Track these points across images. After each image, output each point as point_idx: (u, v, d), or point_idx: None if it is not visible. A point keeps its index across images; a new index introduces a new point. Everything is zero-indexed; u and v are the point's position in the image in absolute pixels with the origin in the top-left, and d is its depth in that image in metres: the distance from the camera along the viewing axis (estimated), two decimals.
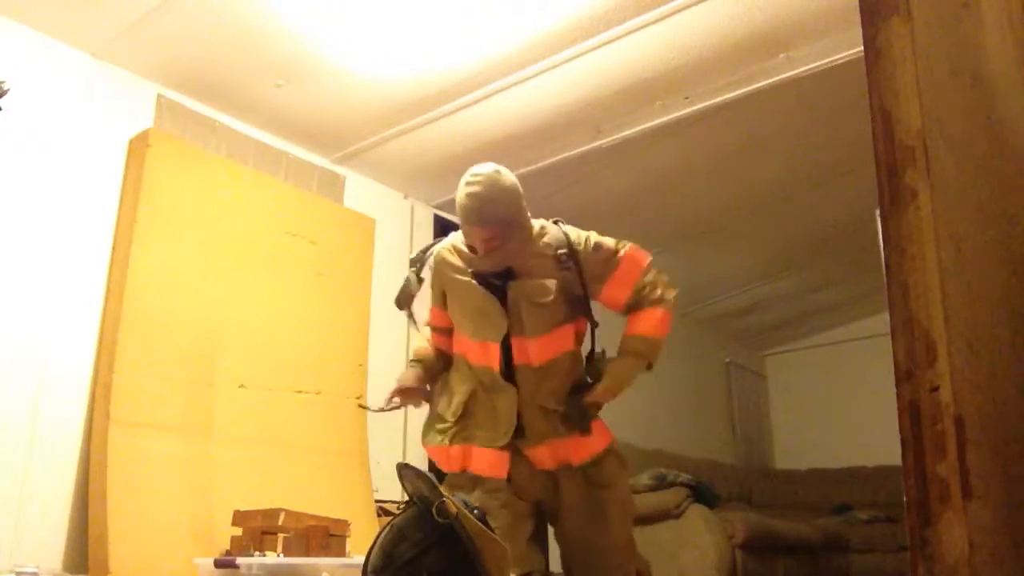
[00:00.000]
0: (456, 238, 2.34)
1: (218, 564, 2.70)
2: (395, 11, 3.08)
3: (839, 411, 6.56)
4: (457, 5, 3.06)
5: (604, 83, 3.54)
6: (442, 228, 4.72)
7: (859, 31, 1.09)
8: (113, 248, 3.21)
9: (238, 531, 2.86)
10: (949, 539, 0.90)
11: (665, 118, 3.80)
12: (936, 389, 0.93)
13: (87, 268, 3.15)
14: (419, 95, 3.59)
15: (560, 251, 2.23)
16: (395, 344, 4.27)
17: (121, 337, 3.03)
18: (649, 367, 2.26)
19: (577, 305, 2.25)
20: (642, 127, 3.87)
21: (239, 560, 2.66)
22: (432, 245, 2.42)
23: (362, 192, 4.26)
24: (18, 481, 2.82)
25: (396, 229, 4.43)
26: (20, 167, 3.02)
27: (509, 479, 2.19)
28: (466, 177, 2.17)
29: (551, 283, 2.20)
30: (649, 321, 2.24)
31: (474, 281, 2.23)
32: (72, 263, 3.11)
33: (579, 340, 2.31)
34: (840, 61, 3.35)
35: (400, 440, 4.14)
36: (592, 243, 2.27)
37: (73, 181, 3.16)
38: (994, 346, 1.00)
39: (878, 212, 1.03)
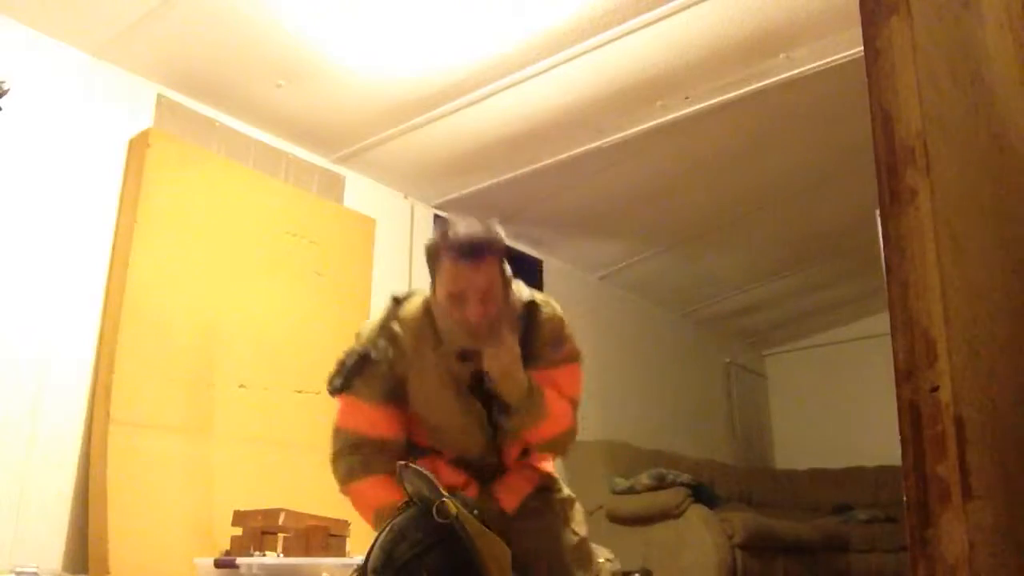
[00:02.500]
0: (404, 310, 1.82)
1: (218, 564, 2.70)
2: (395, 11, 3.08)
3: (839, 411, 6.56)
4: (457, 5, 3.06)
5: (604, 83, 3.54)
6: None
7: (859, 31, 1.09)
8: (113, 248, 3.21)
9: (238, 531, 2.86)
10: (949, 539, 0.90)
11: (665, 118, 3.81)
12: (936, 389, 0.93)
13: (87, 268, 3.15)
14: (419, 95, 3.59)
15: (522, 330, 1.80)
16: None
17: (121, 337, 3.03)
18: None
19: None
20: (642, 127, 3.87)
21: (239, 560, 2.66)
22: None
23: (362, 192, 4.26)
24: (18, 481, 2.82)
25: (396, 229, 4.43)
26: (20, 167, 3.02)
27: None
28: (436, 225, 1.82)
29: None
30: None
31: (446, 374, 1.78)
32: (72, 263, 3.11)
33: None
34: (840, 61, 3.35)
35: None
36: (555, 320, 1.85)
37: (73, 181, 3.16)
38: (994, 346, 1.00)
39: (878, 212, 1.03)
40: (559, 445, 1.92)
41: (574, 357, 1.88)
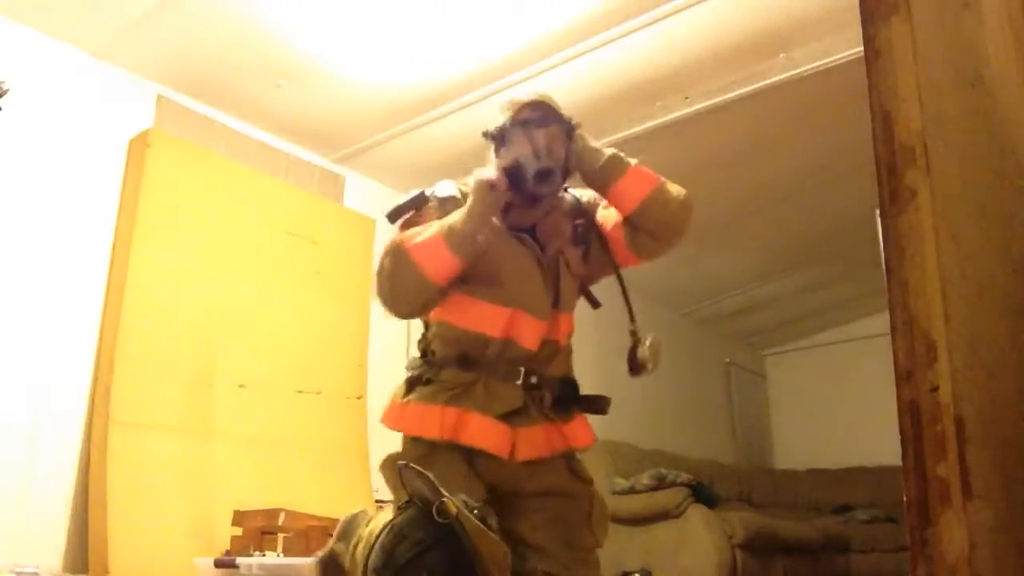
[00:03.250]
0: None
1: (218, 564, 2.70)
2: (395, 11, 3.08)
3: (839, 411, 6.56)
4: (457, 5, 3.06)
5: (604, 83, 3.54)
6: None
7: (859, 31, 1.09)
8: (113, 248, 3.21)
9: (238, 531, 2.86)
10: (949, 539, 0.90)
11: (665, 118, 3.80)
12: (936, 389, 0.93)
13: (87, 268, 3.15)
14: (419, 95, 3.59)
15: (577, 220, 2.04)
16: (395, 344, 4.27)
17: (121, 337, 3.03)
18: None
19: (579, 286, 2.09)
20: (642, 127, 3.87)
21: (239, 560, 2.66)
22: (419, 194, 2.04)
23: (362, 192, 4.26)
24: (18, 481, 2.82)
25: (396, 229, 4.42)
26: (20, 167, 3.02)
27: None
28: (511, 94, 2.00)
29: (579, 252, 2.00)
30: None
31: (511, 235, 1.94)
32: (72, 263, 3.11)
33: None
34: (840, 61, 3.35)
35: (400, 440, 4.13)
36: (590, 197, 2.05)
37: (73, 181, 3.16)
38: (994, 346, 1.00)
39: (878, 212, 1.03)
40: (661, 205, 2.03)
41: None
